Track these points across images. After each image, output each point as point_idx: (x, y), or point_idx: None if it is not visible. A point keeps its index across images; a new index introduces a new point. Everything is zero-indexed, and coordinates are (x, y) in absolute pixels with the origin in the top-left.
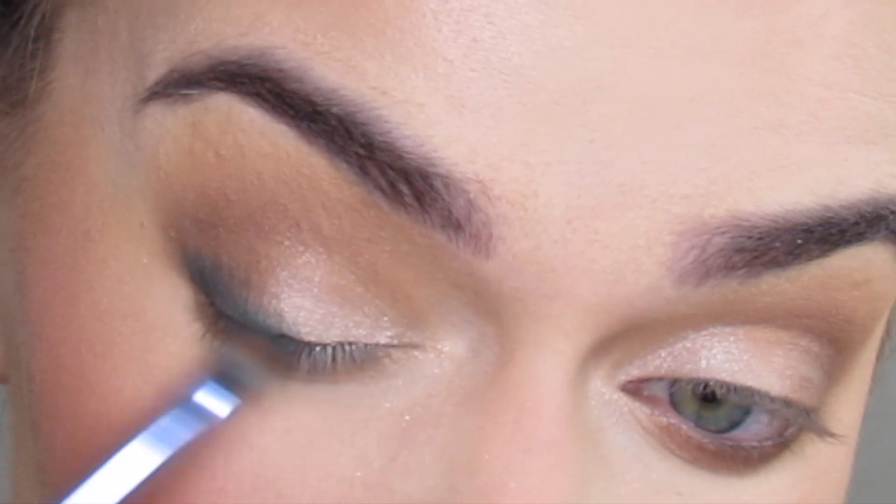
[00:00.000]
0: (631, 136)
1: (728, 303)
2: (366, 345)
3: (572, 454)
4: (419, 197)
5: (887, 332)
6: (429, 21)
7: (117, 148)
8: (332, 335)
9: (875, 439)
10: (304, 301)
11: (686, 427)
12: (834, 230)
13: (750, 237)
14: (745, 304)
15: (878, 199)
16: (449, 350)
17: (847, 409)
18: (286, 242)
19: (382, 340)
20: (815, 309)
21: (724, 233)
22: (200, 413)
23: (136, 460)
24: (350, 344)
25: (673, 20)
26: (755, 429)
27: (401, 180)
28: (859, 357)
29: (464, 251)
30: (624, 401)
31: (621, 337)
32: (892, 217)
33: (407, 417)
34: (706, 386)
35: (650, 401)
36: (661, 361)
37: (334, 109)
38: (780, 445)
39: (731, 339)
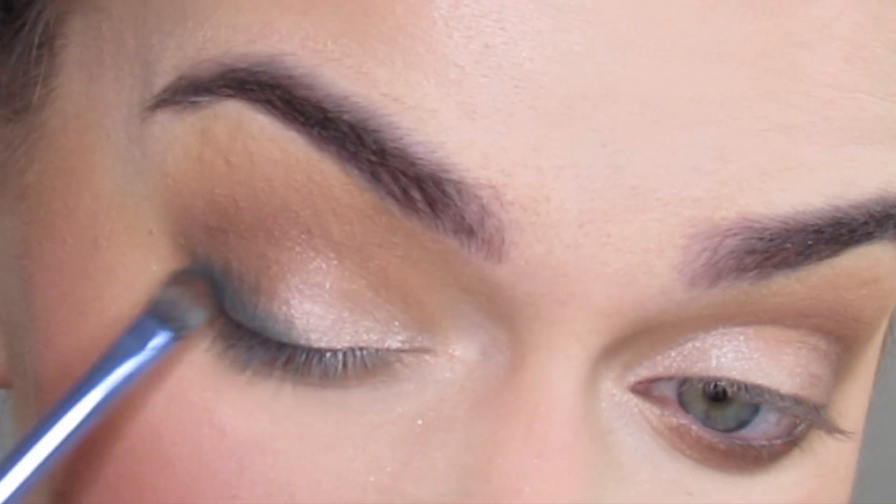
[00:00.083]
0: (642, 140)
1: (739, 304)
2: (377, 350)
3: (585, 458)
4: (431, 203)
5: (889, 327)
6: (440, 27)
7: (124, 155)
8: (343, 341)
9: (875, 434)
10: (314, 307)
11: (696, 427)
12: (843, 230)
13: (761, 239)
14: (756, 305)
15: (886, 198)
16: (460, 354)
17: (853, 405)
18: (297, 248)
19: (393, 345)
20: (824, 308)
21: (735, 235)
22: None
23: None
24: (361, 349)
25: (682, 23)
26: (763, 428)
27: (413, 186)
28: (865, 354)
29: (476, 256)
30: (634, 402)
31: (632, 339)
32: None
33: (419, 422)
34: (716, 385)
35: (659, 401)
36: (671, 361)
37: (345, 116)
38: (789, 443)
39: (741, 338)
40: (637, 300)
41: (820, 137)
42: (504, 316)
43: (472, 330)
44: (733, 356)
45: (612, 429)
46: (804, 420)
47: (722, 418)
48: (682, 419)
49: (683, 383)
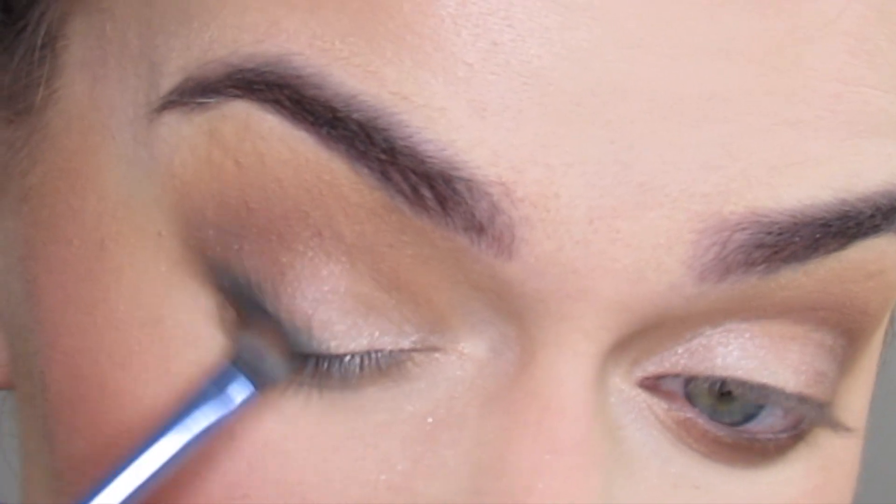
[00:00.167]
0: (650, 136)
1: (747, 298)
2: (391, 351)
3: (596, 453)
4: (442, 201)
5: (890, 320)
6: (447, 25)
7: (130, 156)
8: (360, 345)
9: (876, 427)
10: (331, 314)
11: (702, 421)
12: (850, 223)
13: (770, 233)
14: (763, 299)
15: (892, 191)
16: (470, 352)
17: (857, 398)
18: (309, 253)
19: (406, 346)
20: (830, 301)
21: (744, 229)
22: (221, 400)
23: (160, 449)
24: (376, 352)
25: (690, 20)
26: (770, 421)
27: (423, 185)
28: (869, 346)
29: (486, 253)
30: (642, 397)
31: (640, 334)
32: None
33: (430, 420)
34: (722, 384)
35: (667, 396)
36: (678, 358)
37: (355, 115)
38: (795, 437)
39: (747, 335)
40: (646, 296)
41: (826, 131)
42: (514, 313)
43: (482, 327)
44: (739, 354)
45: (621, 424)
46: (809, 417)
47: (729, 412)
48: (689, 413)
49: (690, 380)
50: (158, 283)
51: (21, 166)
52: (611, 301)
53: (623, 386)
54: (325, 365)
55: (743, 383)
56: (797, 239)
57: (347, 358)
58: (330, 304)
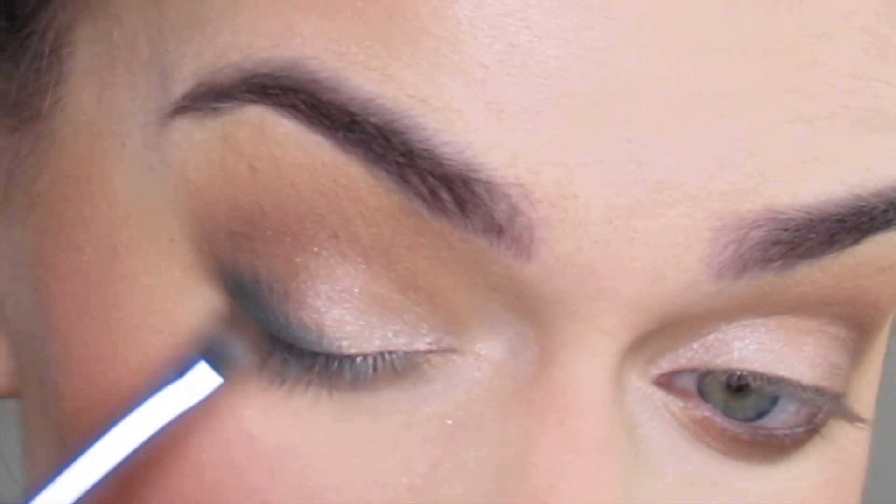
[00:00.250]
0: (667, 134)
1: (763, 294)
2: (405, 352)
3: (617, 453)
4: (460, 203)
5: None
6: (464, 27)
7: (141, 162)
8: (373, 345)
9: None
10: (345, 314)
11: (720, 420)
12: (865, 218)
13: (786, 229)
14: (779, 295)
15: None
16: (487, 353)
17: (866, 390)
18: (324, 253)
19: (422, 347)
20: (844, 296)
21: (760, 226)
22: (190, 389)
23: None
24: (390, 353)
25: (704, 19)
26: (783, 417)
27: (442, 187)
28: (879, 339)
29: (505, 255)
30: (658, 395)
31: (657, 332)
32: None
33: (449, 422)
34: (740, 377)
35: (682, 394)
36: (694, 354)
37: (372, 119)
38: (810, 431)
39: (763, 329)
40: (665, 294)
41: (841, 127)
42: (531, 313)
43: (499, 328)
44: (755, 348)
45: (638, 422)
46: (824, 409)
47: (741, 408)
48: (706, 412)
49: (705, 375)
50: (172, 289)
51: (28, 174)
52: (630, 300)
53: (639, 384)
54: (336, 364)
55: (760, 376)
56: (813, 235)
57: (360, 359)
58: (343, 304)
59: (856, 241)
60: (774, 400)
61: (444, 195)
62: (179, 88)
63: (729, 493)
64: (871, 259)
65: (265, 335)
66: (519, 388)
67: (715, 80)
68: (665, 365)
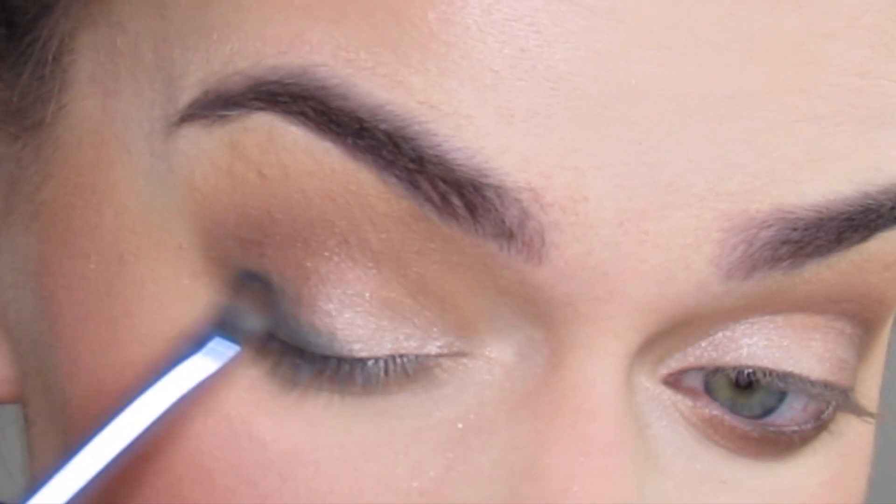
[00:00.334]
0: (676, 136)
1: (771, 293)
2: (416, 356)
3: (628, 454)
4: (471, 208)
5: None
6: (473, 33)
7: (147, 170)
8: (384, 349)
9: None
10: (356, 317)
11: (728, 418)
12: (873, 216)
13: (795, 229)
14: (787, 294)
15: None
16: (497, 356)
17: (871, 385)
18: (335, 258)
19: (433, 351)
20: (851, 293)
21: (769, 226)
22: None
23: (148, 406)
24: (401, 356)
25: (712, 20)
26: (790, 414)
27: (452, 192)
28: (882, 333)
29: (515, 259)
30: (667, 394)
31: (667, 333)
32: None
33: (460, 426)
34: (751, 374)
35: (690, 393)
36: (702, 352)
37: (382, 125)
38: (818, 427)
39: (771, 326)
40: (675, 296)
41: (848, 126)
42: (541, 316)
43: (509, 332)
44: (764, 344)
45: (648, 422)
46: (832, 404)
47: (748, 405)
48: (714, 410)
49: (713, 373)
50: (181, 297)
51: (31, 182)
52: (640, 302)
53: (648, 384)
54: (347, 368)
55: (769, 372)
56: (822, 234)
57: (371, 362)
58: (354, 308)
59: (864, 239)
60: (780, 397)
61: (455, 200)
62: (186, 96)
63: (737, 490)
64: (878, 255)
65: (274, 339)
66: (529, 391)
67: (722, 81)
68: (673, 364)
